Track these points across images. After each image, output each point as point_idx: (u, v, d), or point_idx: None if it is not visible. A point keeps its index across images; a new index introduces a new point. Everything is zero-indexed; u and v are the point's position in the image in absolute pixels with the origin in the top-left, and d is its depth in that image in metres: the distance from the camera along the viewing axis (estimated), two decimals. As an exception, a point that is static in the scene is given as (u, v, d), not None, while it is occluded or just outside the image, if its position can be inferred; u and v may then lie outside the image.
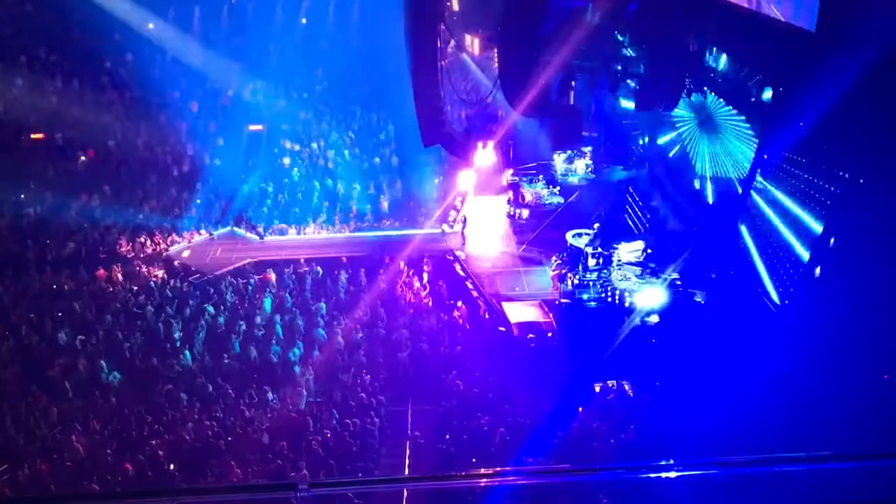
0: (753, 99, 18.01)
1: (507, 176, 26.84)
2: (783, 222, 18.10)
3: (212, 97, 31.73)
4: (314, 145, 30.27)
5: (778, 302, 17.91)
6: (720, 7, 18.50)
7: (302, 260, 22.36)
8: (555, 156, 27.13)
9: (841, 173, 15.18)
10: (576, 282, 20.35)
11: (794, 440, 13.39)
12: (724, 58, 19.68)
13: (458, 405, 15.86)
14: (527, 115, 23.14)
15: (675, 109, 21.99)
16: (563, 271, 20.96)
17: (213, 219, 25.19)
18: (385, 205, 26.49)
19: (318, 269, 21.87)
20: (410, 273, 21.63)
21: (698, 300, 19.79)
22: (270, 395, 16.37)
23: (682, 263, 20.42)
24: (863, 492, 3.88)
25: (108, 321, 19.28)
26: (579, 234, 21.82)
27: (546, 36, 19.31)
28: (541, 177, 26.50)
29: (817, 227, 16.38)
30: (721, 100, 20.53)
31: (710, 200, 22.50)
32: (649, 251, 20.97)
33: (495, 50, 26.92)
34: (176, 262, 22.85)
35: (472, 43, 28.45)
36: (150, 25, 32.91)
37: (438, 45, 21.63)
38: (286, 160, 29.15)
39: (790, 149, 16.86)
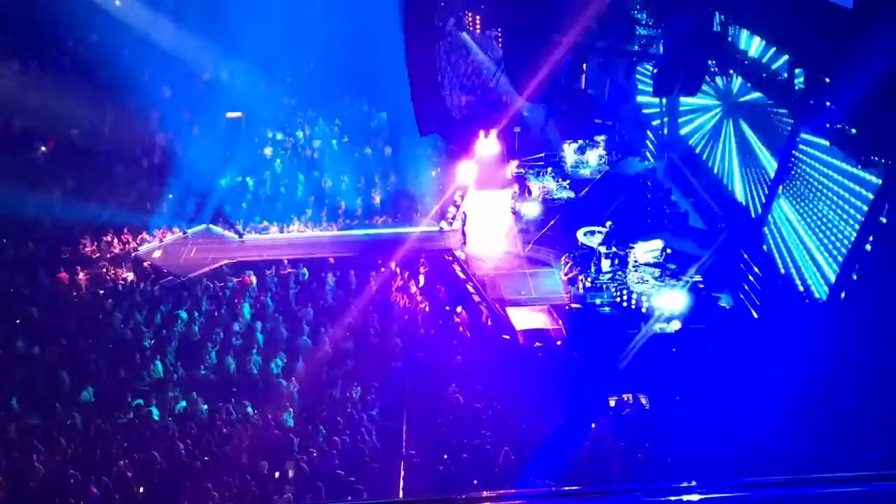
0: (784, 82, 18.01)
1: (512, 168, 26.84)
2: (817, 214, 18.13)
3: (186, 81, 31.70)
4: (299, 134, 30.25)
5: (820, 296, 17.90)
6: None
7: (285, 261, 22.36)
8: (564, 146, 27.15)
9: (877, 159, 15.19)
10: (588, 284, 20.36)
11: (829, 459, 13.40)
12: (751, 37, 19.69)
13: (458, 421, 15.87)
14: (534, 100, 23.22)
15: (698, 95, 22.01)
16: (574, 273, 20.97)
17: (187, 215, 25.17)
18: (377, 200, 26.48)
19: (304, 270, 21.88)
20: (405, 275, 21.64)
21: (723, 305, 19.81)
22: (250, 411, 16.36)
23: (706, 264, 20.43)
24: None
25: (71, 329, 19.26)
26: (592, 233, 21.83)
27: (555, 13, 19.33)
28: (549, 169, 26.51)
29: (855, 218, 16.42)
30: (748, 84, 20.54)
31: (737, 194, 22.54)
32: (669, 251, 20.99)
33: (499, 29, 26.99)
34: (146, 264, 22.83)
35: (474, 21, 28.45)
36: (117, 2, 32.87)
37: (437, 23, 21.74)
38: (268, 151, 29.13)
39: (825, 136, 16.87)
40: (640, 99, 27.15)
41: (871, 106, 14.21)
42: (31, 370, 17.81)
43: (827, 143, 16.84)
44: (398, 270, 21.80)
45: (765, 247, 20.14)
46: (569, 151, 27.13)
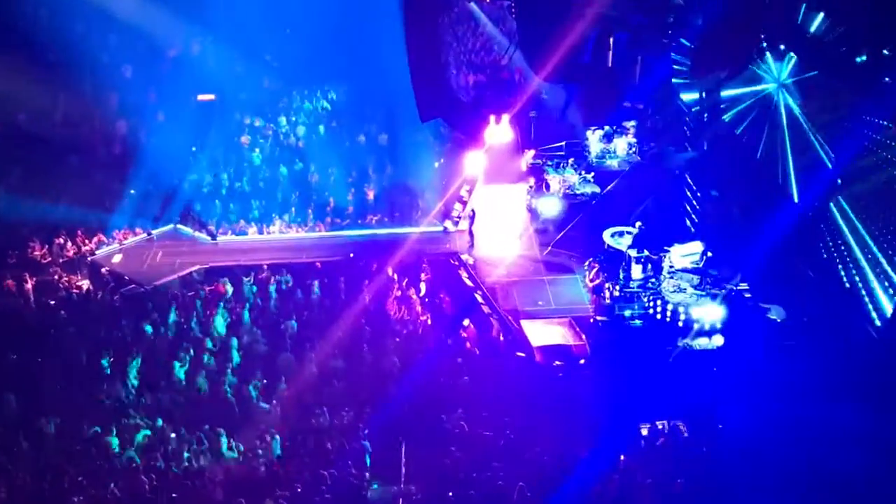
0: (844, 59, 18.02)
1: (528, 159, 26.87)
2: (882, 211, 18.08)
3: (149, 59, 31.79)
4: (281, 120, 30.30)
5: (878, 323, 17.88)
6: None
7: (265, 266, 22.41)
8: (588, 133, 27.17)
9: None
10: (616, 294, 20.34)
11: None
12: (805, 8, 19.70)
13: (465, 451, 15.87)
14: (552, 80, 23.22)
15: (744, 74, 22.02)
16: (600, 280, 20.97)
17: (152, 214, 25.24)
18: (371, 196, 26.52)
19: (287, 277, 21.93)
20: (404, 283, 21.67)
21: (773, 318, 19.78)
22: (225, 440, 16.40)
23: (752, 271, 20.40)
24: None
25: (18, 344, 19.31)
26: (620, 234, 21.84)
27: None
28: (570, 160, 26.54)
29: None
30: (804, 63, 20.52)
31: (789, 188, 22.51)
32: (710, 255, 20.98)
33: (512, -2, 27.04)
34: (104, 270, 22.88)
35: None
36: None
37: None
38: (245, 139, 29.20)
39: (890, 119, 16.90)
40: (676, 80, 27.14)
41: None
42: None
43: (892, 127, 16.87)
44: (396, 277, 21.83)
45: (823, 253, 20.09)
46: (593, 140, 27.14)
